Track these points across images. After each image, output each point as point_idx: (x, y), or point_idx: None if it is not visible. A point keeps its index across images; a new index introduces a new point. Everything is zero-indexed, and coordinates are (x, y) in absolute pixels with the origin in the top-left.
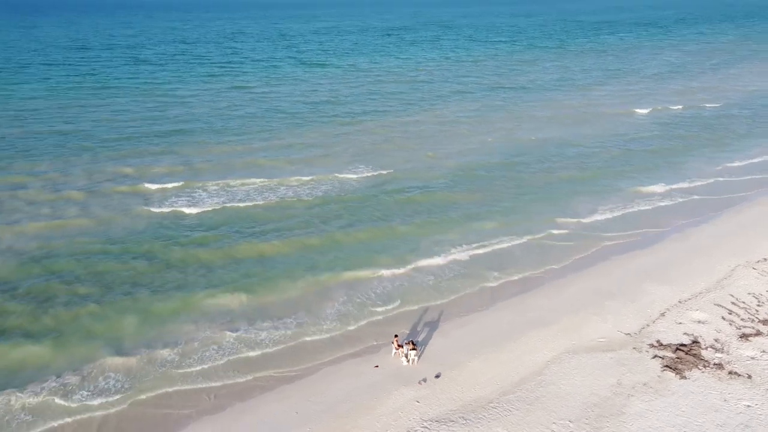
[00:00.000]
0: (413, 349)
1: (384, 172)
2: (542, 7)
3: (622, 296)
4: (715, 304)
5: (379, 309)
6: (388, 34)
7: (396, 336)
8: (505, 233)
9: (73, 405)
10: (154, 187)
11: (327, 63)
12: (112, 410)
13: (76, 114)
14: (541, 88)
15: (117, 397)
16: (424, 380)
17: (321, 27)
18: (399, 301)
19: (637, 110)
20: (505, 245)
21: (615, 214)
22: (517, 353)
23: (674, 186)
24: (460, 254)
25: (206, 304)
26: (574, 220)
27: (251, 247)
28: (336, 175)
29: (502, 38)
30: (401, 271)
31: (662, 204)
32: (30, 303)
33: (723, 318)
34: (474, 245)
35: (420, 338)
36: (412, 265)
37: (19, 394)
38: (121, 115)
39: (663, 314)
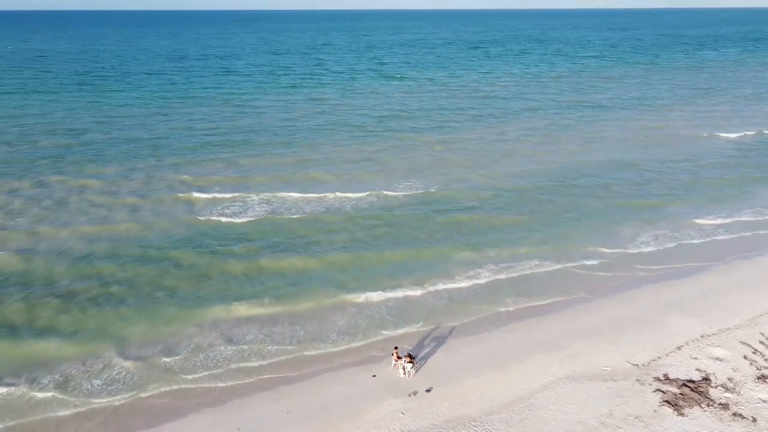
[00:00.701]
0: (410, 362)
1: (433, 190)
2: (642, 19)
3: (644, 326)
4: (740, 342)
5: (390, 327)
6: (475, 47)
7: (396, 348)
8: (540, 258)
9: (87, 396)
10: (205, 196)
11: (405, 76)
12: (122, 401)
13: (156, 122)
14: (620, 107)
15: (127, 390)
16: (415, 393)
17: (409, 39)
18: (412, 321)
19: (721, 134)
20: (535, 271)
21: (663, 246)
22: (517, 375)
23: (739, 218)
24: (486, 278)
25: (224, 312)
26: (616, 249)
27: (280, 261)
28: (384, 192)
29: (591, 53)
30: (419, 293)
31: (719, 237)
32: (65, 300)
33: (745, 357)
34: (504, 269)
35: (424, 353)
36: (434, 287)
37: (40, 382)
38: (197, 123)
39: (680, 347)
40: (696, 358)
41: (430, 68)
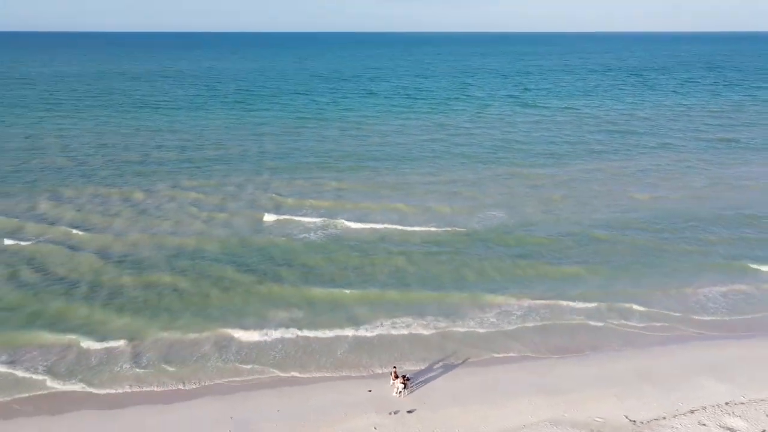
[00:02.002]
0: (403, 383)
1: (508, 226)
2: None
3: (664, 383)
4: (767, 415)
5: (401, 357)
6: (633, 75)
7: (395, 368)
8: (579, 301)
9: (139, 370)
10: (277, 217)
11: (543, 104)
12: (155, 385)
13: (283, 140)
14: None
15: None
16: (396, 412)
17: (566, 65)
18: (425, 352)
19: None
20: (569, 322)
21: (727, 308)
22: (502, 411)
23: None
24: (515, 324)
25: (254, 327)
26: (674, 305)
27: (308, 289)
28: (455, 227)
29: None
30: (430, 332)
31: None
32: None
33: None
34: (536, 318)
35: (425, 377)
36: (456, 327)
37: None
38: (320, 144)
39: (693, 411)
40: (704, 425)
41: (574, 96)
